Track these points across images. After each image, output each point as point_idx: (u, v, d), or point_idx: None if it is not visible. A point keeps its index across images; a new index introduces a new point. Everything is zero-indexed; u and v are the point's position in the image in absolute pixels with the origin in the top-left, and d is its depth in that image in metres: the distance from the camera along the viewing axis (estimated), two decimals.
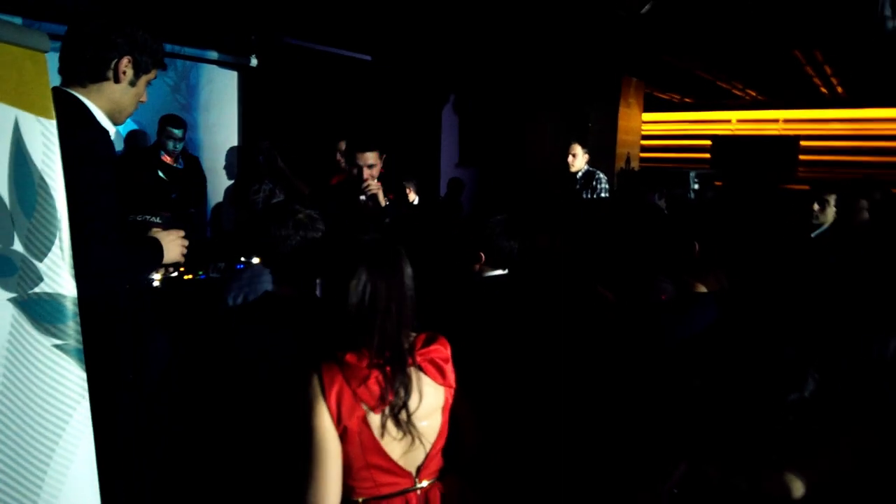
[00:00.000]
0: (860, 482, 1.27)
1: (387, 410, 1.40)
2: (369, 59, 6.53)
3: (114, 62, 1.79)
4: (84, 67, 1.77)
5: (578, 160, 5.12)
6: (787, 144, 10.04)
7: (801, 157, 9.94)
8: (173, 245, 1.94)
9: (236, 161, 5.63)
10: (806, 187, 4.40)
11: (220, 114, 5.51)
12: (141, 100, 1.91)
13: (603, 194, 5.18)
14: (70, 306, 1.27)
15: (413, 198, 5.72)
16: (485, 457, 1.63)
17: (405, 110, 7.00)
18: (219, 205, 5.46)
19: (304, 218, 1.90)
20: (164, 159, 4.52)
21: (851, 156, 9.46)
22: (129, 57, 1.81)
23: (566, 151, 5.13)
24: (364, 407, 1.39)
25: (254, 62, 5.56)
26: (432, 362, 1.50)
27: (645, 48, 5.93)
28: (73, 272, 1.28)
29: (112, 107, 1.83)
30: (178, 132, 4.49)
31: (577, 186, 5.23)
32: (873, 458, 1.31)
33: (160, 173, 4.52)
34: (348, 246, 1.47)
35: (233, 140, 5.62)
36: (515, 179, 7.11)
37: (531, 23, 5.54)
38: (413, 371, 1.46)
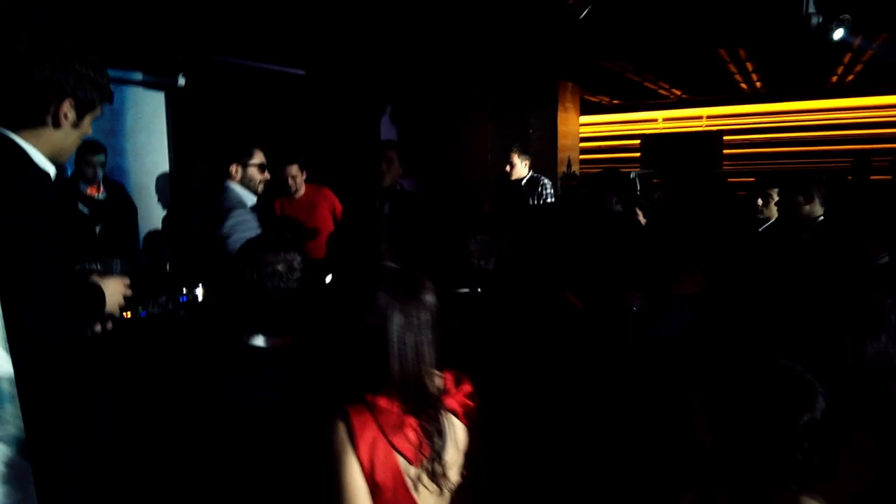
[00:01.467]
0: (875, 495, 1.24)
1: (424, 462, 1.25)
2: (302, 73, 6.35)
3: (52, 106, 1.56)
4: (18, 111, 1.54)
5: (518, 168, 5.11)
6: (711, 139, 10.48)
7: (725, 150, 10.40)
8: (116, 294, 1.75)
9: (168, 186, 5.34)
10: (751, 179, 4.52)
11: (148, 137, 5.21)
12: (86, 133, 1.71)
13: (548, 199, 5.20)
14: (6, 388, 1.09)
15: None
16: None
17: (343, 124, 6.84)
18: (156, 233, 5.15)
19: (283, 268, 1.74)
20: (87, 191, 4.21)
21: (772, 147, 9.94)
22: (70, 99, 1.58)
23: (505, 159, 5.12)
24: (401, 459, 1.24)
25: (181, 81, 5.28)
26: (463, 405, 1.36)
27: (580, 53, 6.01)
28: (6, 346, 1.10)
29: (53, 149, 1.61)
30: (98, 158, 4.18)
31: (523, 193, 5.23)
32: (879, 468, 1.28)
33: (81, 207, 4.21)
34: (366, 274, 1.37)
35: (163, 164, 5.33)
36: (457, 190, 7.06)
37: (468, 31, 5.51)
38: (445, 416, 1.32)
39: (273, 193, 4.27)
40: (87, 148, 4.13)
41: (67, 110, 1.59)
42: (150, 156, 5.20)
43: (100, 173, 4.22)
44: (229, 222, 3.08)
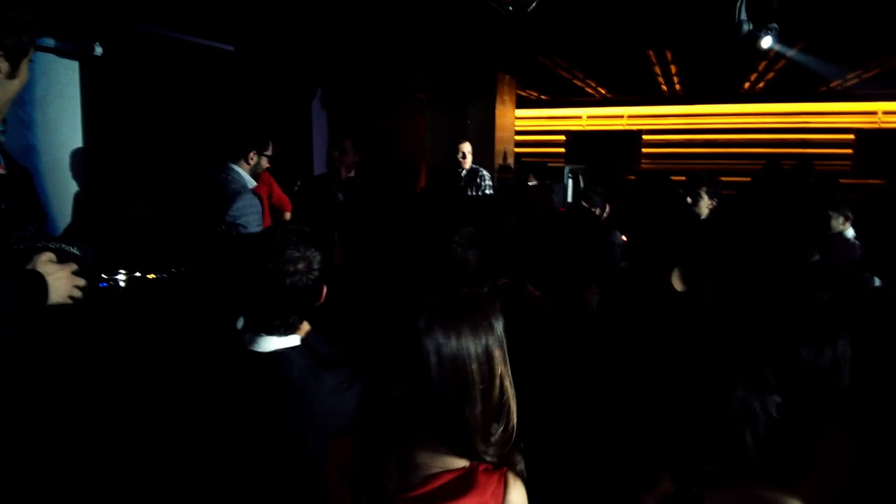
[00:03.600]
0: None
1: None
2: (231, 49, 6.03)
3: None
4: None
5: (469, 159, 5.11)
6: (631, 138, 10.91)
7: (644, 149, 10.85)
8: (60, 282, 1.56)
9: (82, 162, 4.93)
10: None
11: (59, 109, 4.78)
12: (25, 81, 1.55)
13: (487, 191, 5.21)
14: None
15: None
16: None
17: (273, 105, 6.57)
18: (67, 212, 4.75)
19: (304, 266, 1.63)
20: None
21: (688, 148, 10.45)
22: None
23: (453, 149, 5.08)
24: None
25: (98, 50, 4.87)
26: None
27: (519, 46, 6.04)
28: None
29: None
30: None
31: (462, 184, 5.21)
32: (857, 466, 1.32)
33: None
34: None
35: (76, 138, 4.91)
36: (389, 178, 6.96)
37: (406, 15, 5.41)
38: None
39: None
40: None
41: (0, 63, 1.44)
42: (62, 129, 4.78)
43: None
44: (238, 204, 3.08)
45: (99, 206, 4.63)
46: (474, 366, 1.01)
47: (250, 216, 3.04)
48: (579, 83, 9.19)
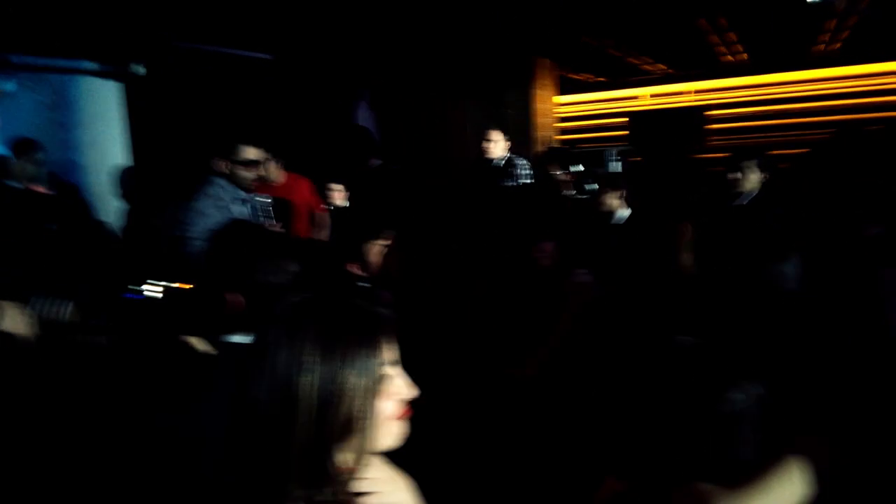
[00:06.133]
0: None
1: None
2: (270, 58, 6.14)
3: None
4: None
5: (498, 146, 4.94)
6: (696, 115, 10.30)
7: (713, 126, 10.21)
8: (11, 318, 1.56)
9: (130, 181, 5.15)
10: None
11: (105, 130, 5.01)
12: None
13: (522, 181, 5.03)
14: None
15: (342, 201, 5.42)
16: None
17: (315, 111, 6.64)
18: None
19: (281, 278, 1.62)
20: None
21: (759, 121, 9.75)
22: None
23: (485, 139, 4.94)
24: None
25: (141, 70, 5.07)
26: None
27: (555, 27, 5.80)
28: None
29: None
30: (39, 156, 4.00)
31: (497, 174, 5.06)
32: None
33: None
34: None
35: (123, 158, 5.14)
36: (437, 173, 6.88)
37: (438, 7, 5.30)
38: None
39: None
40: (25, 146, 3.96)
41: None
42: (108, 149, 5.00)
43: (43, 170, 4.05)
44: (186, 216, 2.99)
45: (144, 220, 4.80)
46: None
47: (193, 227, 2.88)
48: (635, 61, 8.76)
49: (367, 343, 0.90)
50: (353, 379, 0.87)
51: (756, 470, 1.05)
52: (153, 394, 1.59)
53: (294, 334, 0.87)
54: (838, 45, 8.01)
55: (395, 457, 1.01)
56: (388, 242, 2.47)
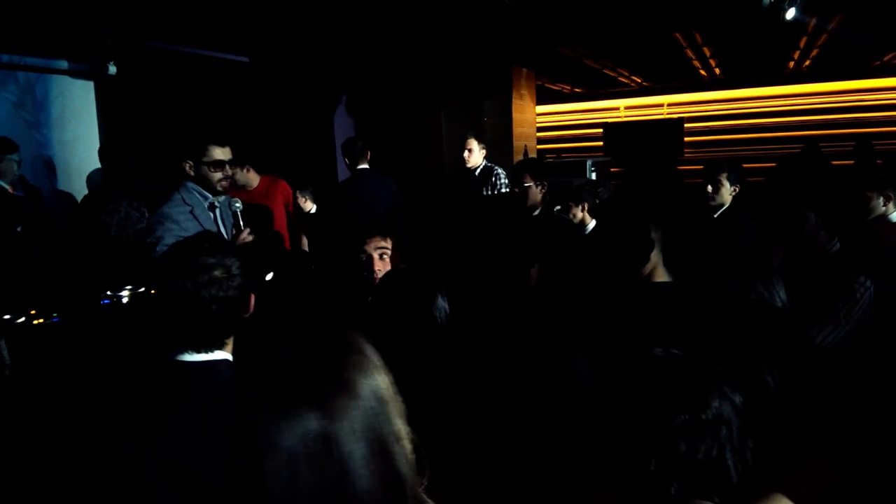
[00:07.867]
0: None
1: None
2: (246, 60, 6.07)
3: None
4: None
5: (475, 155, 4.95)
6: (672, 127, 10.45)
7: (687, 138, 10.38)
8: None
9: (99, 179, 5.04)
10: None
11: (76, 130, 4.90)
12: None
13: (502, 189, 5.04)
14: None
15: (310, 207, 5.37)
16: None
17: (290, 115, 6.58)
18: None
19: (221, 273, 1.52)
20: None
21: (733, 134, 9.95)
22: None
23: (462, 147, 4.94)
24: None
25: (112, 70, 4.98)
26: None
27: (532, 37, 5.84)
28: None
29: None
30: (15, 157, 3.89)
31: (476, 183, 5.06)
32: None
33: None
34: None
35: (94, 158, 5.03)
36: (414, 180, 6.86)
37: (416, 14, 5.30)
38: None
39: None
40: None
41: None
42: (80, 149, 4.89)
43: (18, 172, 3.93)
44: (152, 219, 2.93)
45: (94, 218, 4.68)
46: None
47: (159, 231, 2.83)
48: (611, 73, 8.87)
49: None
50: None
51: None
52: (119, 418, 1.53)
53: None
54: (808, 62, 8.20)
55: None
56: (389, 246, 2.41)
